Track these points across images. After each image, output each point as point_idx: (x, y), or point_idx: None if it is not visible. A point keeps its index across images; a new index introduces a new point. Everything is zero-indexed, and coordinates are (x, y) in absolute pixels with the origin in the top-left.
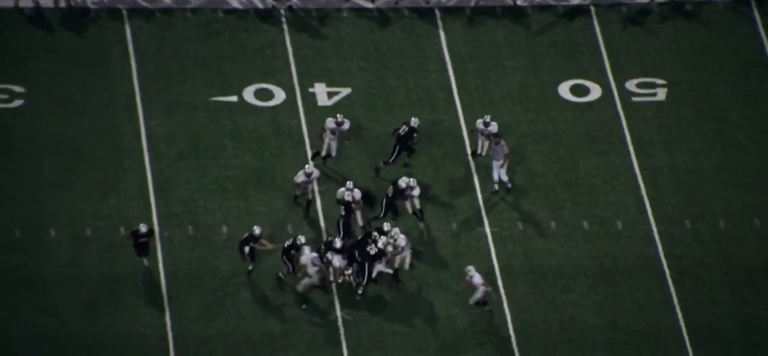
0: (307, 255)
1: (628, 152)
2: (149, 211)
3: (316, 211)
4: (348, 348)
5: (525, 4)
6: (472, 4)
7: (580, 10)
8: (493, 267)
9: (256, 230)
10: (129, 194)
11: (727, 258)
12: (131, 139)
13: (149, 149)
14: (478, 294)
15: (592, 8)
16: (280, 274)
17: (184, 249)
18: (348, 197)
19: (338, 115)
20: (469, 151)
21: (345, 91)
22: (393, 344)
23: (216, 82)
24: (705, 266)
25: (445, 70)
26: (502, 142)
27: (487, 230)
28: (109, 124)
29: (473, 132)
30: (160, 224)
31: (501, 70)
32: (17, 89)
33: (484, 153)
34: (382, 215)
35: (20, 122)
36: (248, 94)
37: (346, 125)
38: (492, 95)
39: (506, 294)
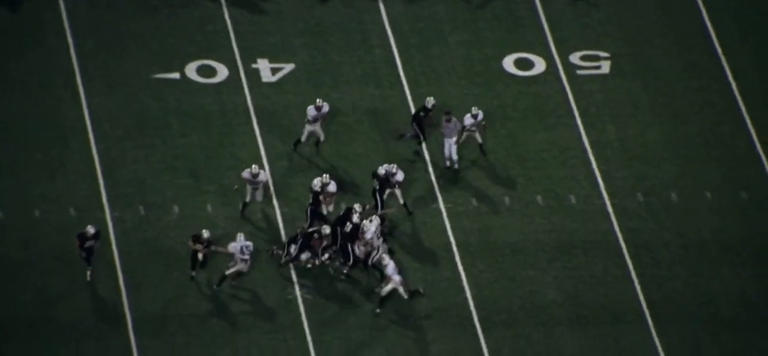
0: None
1: (577, 125)
2: (98, 191)
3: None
4: (309, 327)
5: None
6: None
7: None
8: (450, 243)
9: (205, 233)
10: (76, 175)
11: (682, 232)
12: (74, 119)
13: (93, 129)
14: (389, 286)
15: None
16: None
17: (137, 230)
18: (316, 187)
19: (318, 100)
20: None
21: (288, 66)
22: (355, 322)
23: (157, 60)
24: (660, 240)
25: (388, 45)
26: (454, 119)
27: (442, 206)
28: (49, 104)
29: (463, 131)
30: (109, 205)
31: (444, 45)
32: None
33: (480, 142)
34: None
35: None
36: (191, 71)
37: (326, 108)
38: (437, 69)
39: (465, 270)
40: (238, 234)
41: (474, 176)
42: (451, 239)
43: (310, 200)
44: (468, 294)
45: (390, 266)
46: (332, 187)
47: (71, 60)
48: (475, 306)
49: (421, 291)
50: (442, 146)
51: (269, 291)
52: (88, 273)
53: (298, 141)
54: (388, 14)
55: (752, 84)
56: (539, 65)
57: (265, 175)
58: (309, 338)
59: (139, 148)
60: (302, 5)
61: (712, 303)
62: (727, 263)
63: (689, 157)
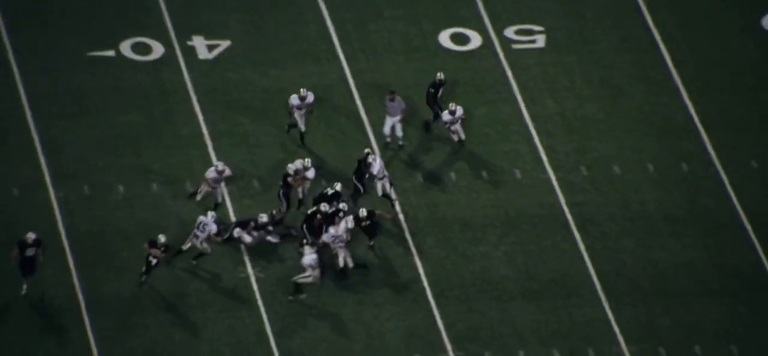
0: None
1: (516, 100)
2: (41, 172)
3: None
4: (264, 304)
5: None
6: None
7: None
8: (399, 220)
9: (161, 238)
10: (17, 156)
11: (627, 204)
12: (10, 98)
13: (31, 108)
14: (306, 274)
15: None
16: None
17: (83, 210)
18: (290, 170)
19: (302, 89)
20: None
21: (225, 43)
22: (309, 300)
23: (91, 37)
24: (606, 213)
25: (323, 21)
26: (398, 98)
27: (388, 183)
28: None
29: (445, 126)
30: (53, 185)
31: (380, 20)
32: None
33: (463, 137)
34: (362, 191)
35: None
36: (126, 48)
37: (311, 98)
38: (374, 45)
39: (415, 247)
40: (209, 213)
41: (418, 153)
42: (400, 216)
43: (281, 183)
44: (421, 270)
45: (309, 258)
46: (311, 173)
47: (3, 39)
48: (429, 283)
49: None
50: (385, 124)
51: (223, 270)
52: (25, 284)
53: (301, 134)
54: None
55: (685, 56)
56: (475, 40)
57: (228, 170)
58: (264, 316)
59: (78, 127)
60: None
61: (662, 275)
62: (674, 234)
63: (629, 130)
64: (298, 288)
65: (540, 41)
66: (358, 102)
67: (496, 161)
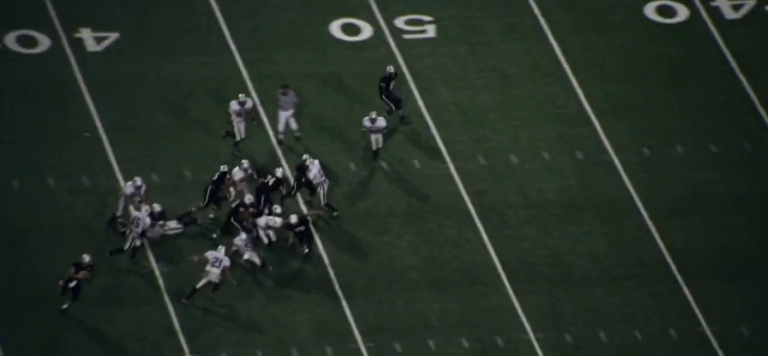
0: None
1: (411, 90)
2: None
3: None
4: (170, 299)
5: None
6: None
7: None
8: (302, 212)
9: (86, 258)
10: None
11: (525, 193)
12: None
13: None
14: (210, 278)
15: None
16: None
17: None
18: (223, 168)
19: (240, 95)
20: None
21: (113, 36)
22: (218, 294)
23: None
24: (506, 201)
25: (212, 11)
26: (291, 91)
27: (288, 172)
28: None
29: (362, 132)
30: None
31: (269, 10)
32: None
33: (380, 146)
34: (293, 192)
35: None
36: (11, 41)
37: (249, 104)
38: (265, 36)
39: (320, 239)
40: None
41: (315, 143)
42: (303, 208)
43: (214, 179)
44: (326, 262)
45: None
46: (238, 174)
47: None
48: (335, 274)
49: (235, 283)
50: (279, 119)
51: (126, 265)
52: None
53: (232, 138)
54: None
55: (572, 44)
56: (366, 30)
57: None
58: (171, 311)
59: None
60: None
61: (563, 262)
62: (573, 221)
63: (523, 119)
64: (216, 288)
65: (430, 31)
66: (254, 93)
67: (394, 152)
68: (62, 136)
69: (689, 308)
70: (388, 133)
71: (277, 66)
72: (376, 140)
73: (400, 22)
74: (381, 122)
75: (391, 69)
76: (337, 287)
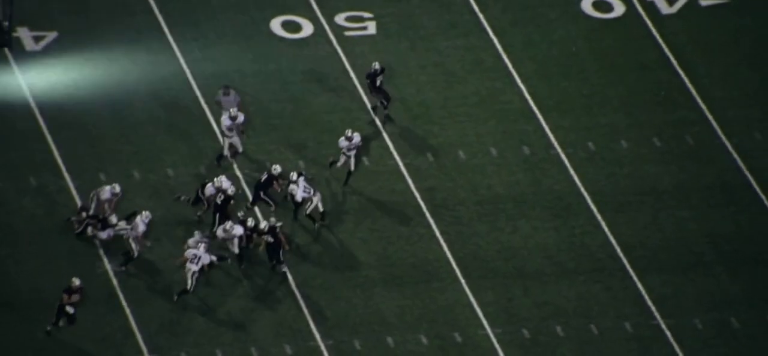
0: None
1: (355, 87)
2: None
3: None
4: (125, 297)
5: None
6: None
7: None
8: (254, 211)
9: (76, 281)
10: None
11: (475, 189)
12: None
13: None
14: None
15: None
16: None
17: None
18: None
19: (231, 110)
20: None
21: (52, 34)
22: (171, 293)
23: None
24: (457, 197)
25: (150, 9)
26: (233, 91)
27: (238, 172)
28: None
29: (340, 151)
30: None
31: (208, 9)
32: None
33: (353, 168)
34: (250, 203)
35: None
36: None
37: (241, 119)
38: (206, 35)
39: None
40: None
41: (264, 143)
42: (255, 207)
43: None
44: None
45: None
46: (210, 187)
47: None
48: (292, 273)
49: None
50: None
51: (79, 266)
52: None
53: (221, 156)
54: None
55: (511, 40)
56: (307, 28)
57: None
58: (128, 311)
59: None
60: None
61: (516, 257)
62: (523, 216)
63: (468, 115)
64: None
65: (371, 28)
66: (197, 92)
67: None
68: (6, 135)
69: (643, 301)
70: (334, 132)
71: (220, 65)
72: (348, 159)
73: (340, 19)
74: (357, 139)
75: (377, 65)
76: (293, 285)
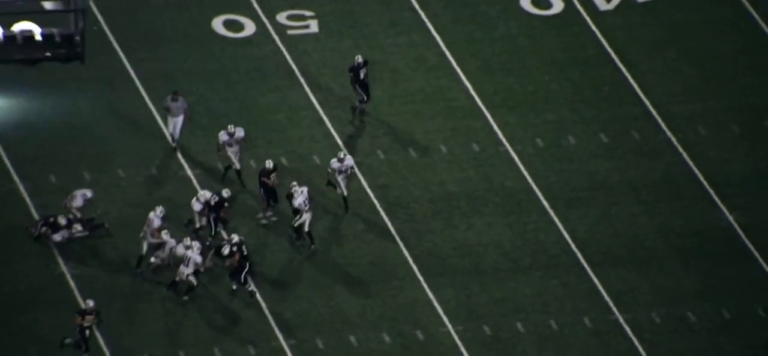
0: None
1: (301, 85)
2: None
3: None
4: (82, 299)
5: None
6: None
7: None
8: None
9: (90, 303)
10: None
11: (427, 185)
12: None
13: None
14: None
15: None
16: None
17: None
18: (201, 201)
19: (229, 126)
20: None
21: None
22: (130, 293)
23: None
24: (410, 195)
25: (89, 9)
26: (181, 98)
27: (190, 173)
28: None
29: (331, 173)
30: None
31: (148, 9)
32: None
33: (345, 192)
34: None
35: None
36: None
37: (240, 133)
38: (147, 34)
39: (227, 238)
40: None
41: (213, 143)
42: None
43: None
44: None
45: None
46: (202, 197)
47: None
48: (248, 272)
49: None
50: (167, 125)
51: (34, 268)
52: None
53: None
54: None
55: (454, 37)
56: (249, 27)
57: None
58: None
59: None
60: None
61: (472, 254)
62: (477, 213)
63: (416, 113)
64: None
65: (313, 26)
66: (144, 94)
67: (292, 148)
68: None
69: (600, 296)
70: (282, 130)
71: (165, 64)
72: (343, 181)
73: (282, 17)
74: (349, 161)
75: (359, 59)
76: (252, 286)
